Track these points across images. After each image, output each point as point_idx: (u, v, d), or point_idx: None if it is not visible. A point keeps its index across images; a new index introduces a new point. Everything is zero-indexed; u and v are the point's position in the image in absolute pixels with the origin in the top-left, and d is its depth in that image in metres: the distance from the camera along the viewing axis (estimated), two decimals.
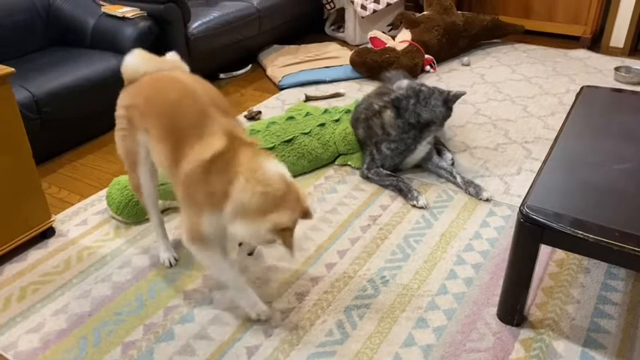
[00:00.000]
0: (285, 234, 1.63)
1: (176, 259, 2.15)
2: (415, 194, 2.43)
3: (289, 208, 1.63)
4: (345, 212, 2.43)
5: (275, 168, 1.65)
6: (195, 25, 3.55)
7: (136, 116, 1.84)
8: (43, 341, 1.82)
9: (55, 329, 1.87)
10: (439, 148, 2.79)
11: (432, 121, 2.55)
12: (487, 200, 2.46)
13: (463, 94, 2.58)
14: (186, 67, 1.98)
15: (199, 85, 1.79)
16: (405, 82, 2.61)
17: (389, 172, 2.58)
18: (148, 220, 2.37)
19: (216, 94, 1.80)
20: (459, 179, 2.57)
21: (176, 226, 2.34)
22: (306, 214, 1.70)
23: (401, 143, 2.58)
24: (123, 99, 1.91)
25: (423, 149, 2.64)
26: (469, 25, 4.12)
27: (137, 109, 1.82)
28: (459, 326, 1.83)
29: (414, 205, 2.40)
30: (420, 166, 2.73)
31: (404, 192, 2.47)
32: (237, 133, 1.68)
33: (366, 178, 2.65)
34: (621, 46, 4.14)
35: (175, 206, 2.41)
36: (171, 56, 2.03)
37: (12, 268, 2.16)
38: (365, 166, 2.66)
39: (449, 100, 2.56)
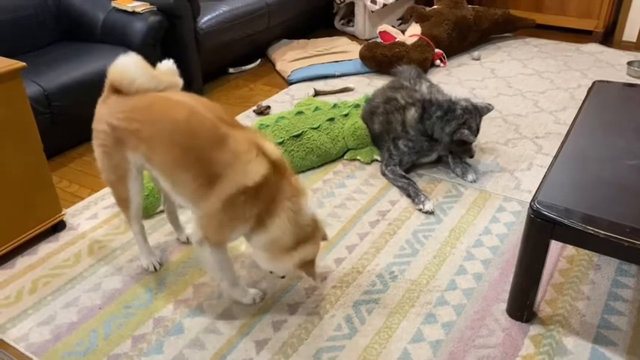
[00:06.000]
0: (308, 266, 1.76)
1: (160, 264, 2.12)
2: (422, 199, 2.40)
3: (313, 242, 1.76)
4: (353, 207, 2.43)
5: (309, 207, 1.74)
6: (204, 20, 3.55)
7: (130, 140, 1.75)
8: (54, 334, 1.84)
9: (66, 322, 1.89)
10: None
11: (439, 140, 2.58)
12: (472, 182, 2.53)
13: (472, 152, 2.59)
14: (180, 80, 1.87)
15: (197, 102, 1.72)
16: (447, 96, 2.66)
17: (403, 174, 2.57)
18: (157, 213, 2.38)
19: (214, 107, 1.74)
20: (450, 158, 2.65)
21: (170, 232, 2.35)
22: (324, 239, 1.85)
23: (417, 144, 2.61)
24: (107, 115, 1.79)
25: (435, 155, 2.69)
26: (479, 20, 4.09)
27: (134, 134, 1.73)
28: (468, 322, 1.83)
29: (420, 210, 2.38)
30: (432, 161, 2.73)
31: (412, 196, 2.45)
32: (272, 155, 1.67)
33: (383, 174, 2.64)
34: (634, 40, 4.09)
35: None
36: (166, 65, 1.89)
37: (23, 261, 2.18)
38: (383, 162, 2.66)
39: (455, 132, 2.50)
